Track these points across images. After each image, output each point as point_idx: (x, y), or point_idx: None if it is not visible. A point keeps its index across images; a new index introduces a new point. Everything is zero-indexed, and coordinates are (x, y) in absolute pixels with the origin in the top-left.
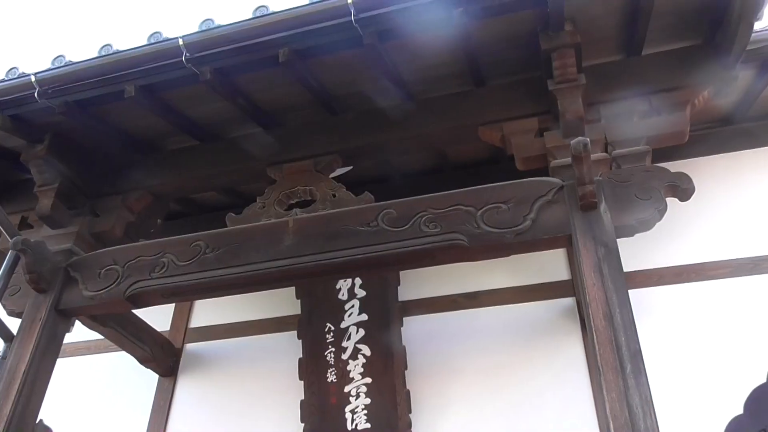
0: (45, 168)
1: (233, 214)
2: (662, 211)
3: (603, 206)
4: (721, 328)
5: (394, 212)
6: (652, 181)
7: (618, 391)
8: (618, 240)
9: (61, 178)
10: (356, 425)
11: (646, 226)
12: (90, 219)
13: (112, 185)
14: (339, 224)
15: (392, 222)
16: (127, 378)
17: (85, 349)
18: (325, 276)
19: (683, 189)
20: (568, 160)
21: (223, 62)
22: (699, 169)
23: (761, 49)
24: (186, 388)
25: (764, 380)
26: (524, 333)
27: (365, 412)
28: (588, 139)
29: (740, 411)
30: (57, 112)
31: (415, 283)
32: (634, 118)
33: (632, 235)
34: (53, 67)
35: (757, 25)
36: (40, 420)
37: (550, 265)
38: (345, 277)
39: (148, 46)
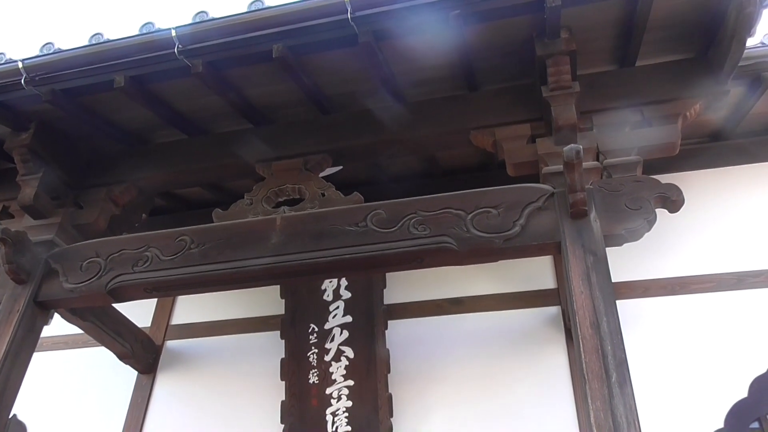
0: (29, 157)
1: (220, 210)
2: (651, 221)
3: (593, 215)
4: (705, 341)
5: (383, 213)
6: (642, 191)
7: (603, 400)
8: (606, 250)
9: (45, 167)
10: (337, 428)
11: (635, 235)
12: (73, 210)
13: (97, 177)
14: (327, 223)
15: (381, 223)
16: (105, 374)
17: (63, 343)
18: (311, 275)
19: (673, 200)
20: (560, 167)
21: (216, 56)
22: (688, 183)
23: (753, 65)
24: (165, 386)
25: (745, 395)
26: (508, 340)
27: (346, 414)
28: (580, 147)
29: (721, 425)
30: (43, 101)
31: (401, 287)
32: (626, 128)
33: (621, 245)
34: (41, 54)
35: (750, 42)
36: (14, 415)
37: (537, 273)
38: (331, 277)
39: (139, 36)
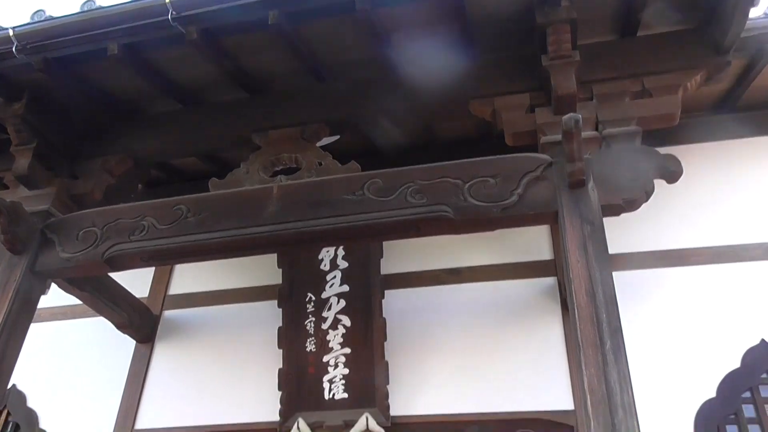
0: (22, 127)
1: (216, 179)
2: (649, 192)
3: (591, 185)
4: (700, 313)
5: (380, 182)
6: (641, 161)
7: (597, 367)
8: (603, 221)
9: (39, 138)
10: (333, 395)
11: (632, 206)
12: (68, 181)
13: (92, 147)
14: (324, 192)
15: (378, 192)
16: (104, 344)
17: (60, 314)
18: (308, 243)
19: (671, 171)
20: (558, 137)
21: (211, 23)
22: (688, 155)
23: (755, 37)
24: (163, 355)
25: (737, 365)
26: (505, 310)
27: (343, 382)
28: (579, 116)
29: (713, 395)
30: (36, 69)
31: (398, 257)
32: (626, 98)
33: (618, 215)
34: (33, 21)
35: (753, 13)
36: (13, 385)
37: (533, 244)
38: (329, 245)
39: (133, 3)
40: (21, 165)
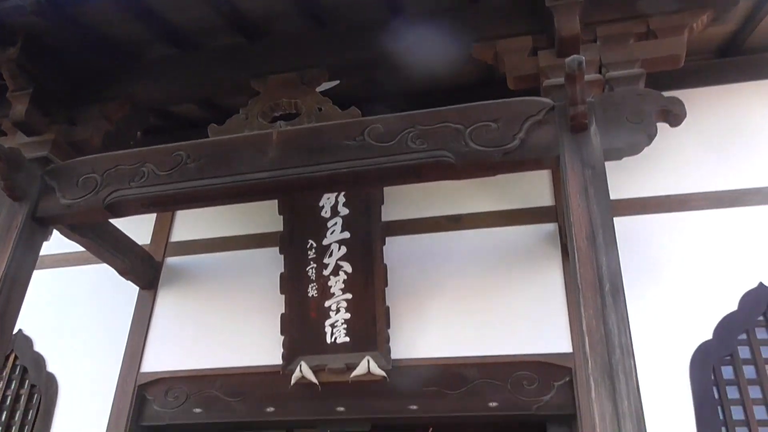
0: (18, 72)
1: (215, 125)
2: (652, 135)
3: (593, 128)
4: (699, 257)
5: (381, 127)
6: (644, 104)
7: (595, 308)
8: (605, 165)
9: (36, 83)
10: (335, 339)
11: (635, 149)
12: (66, 127)
13: (90, 93)
14: (324, 138)
15: (378, 137)
16: (108, 290)
17: (64, 261)
18: (309, 189)
19: (675, 114)
20: (561, 80)
21: None
22: (691, 99)
23: None
24: (167, 301)
25: (735, 308)
26: (505, 256)
27: (345, 326)
28: (583, 58)
29: (710, 337)
30: (29, 11)
31: (399, 204)
32: (630, 40)
33: (621, 158)
34: None
35: None
36: (19, 330)
37: (535, 191)
38: (329, 191)
39: None
40: (18, 111)
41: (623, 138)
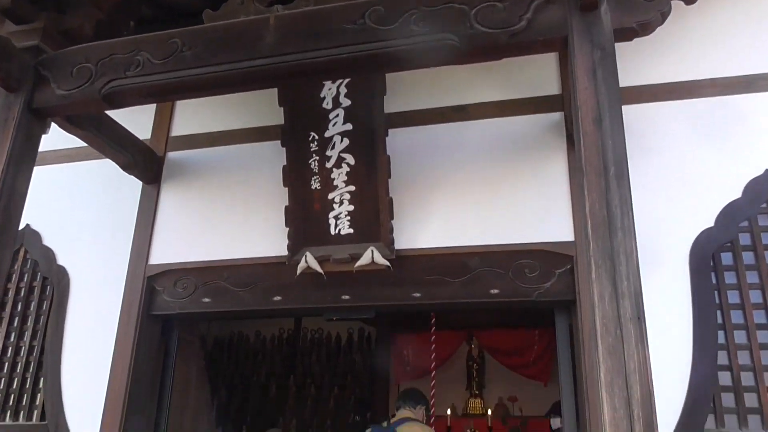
0: None
1: (210, 11)
2: (666, 14)
3: (604, 6)
4: (707, 145)
5: (382, 10)
6: None
7: (599, 191)
8: (615, 47)
9: None
10: (339, 230)
11: (647, 29)
12: (56, 15)
13: None
14: (323, 22)
15: (380, 20)
16: (112, 185)
17: (66, 156)
18: (308, 76)
19: None
20: None
21: None
22: None
23: None
24: (170, 196)
25: (738, 196)
26: (510, 146)
27: (348, 218)
28: None
29: (711, 224)
30: None
31: (402, 95)
32: None
33: (632, 39)
34: None
35: None
36: (27, 224)
37: (541, 78)
38: (329, 78)
39: None
40: None
41: (635, 17)
